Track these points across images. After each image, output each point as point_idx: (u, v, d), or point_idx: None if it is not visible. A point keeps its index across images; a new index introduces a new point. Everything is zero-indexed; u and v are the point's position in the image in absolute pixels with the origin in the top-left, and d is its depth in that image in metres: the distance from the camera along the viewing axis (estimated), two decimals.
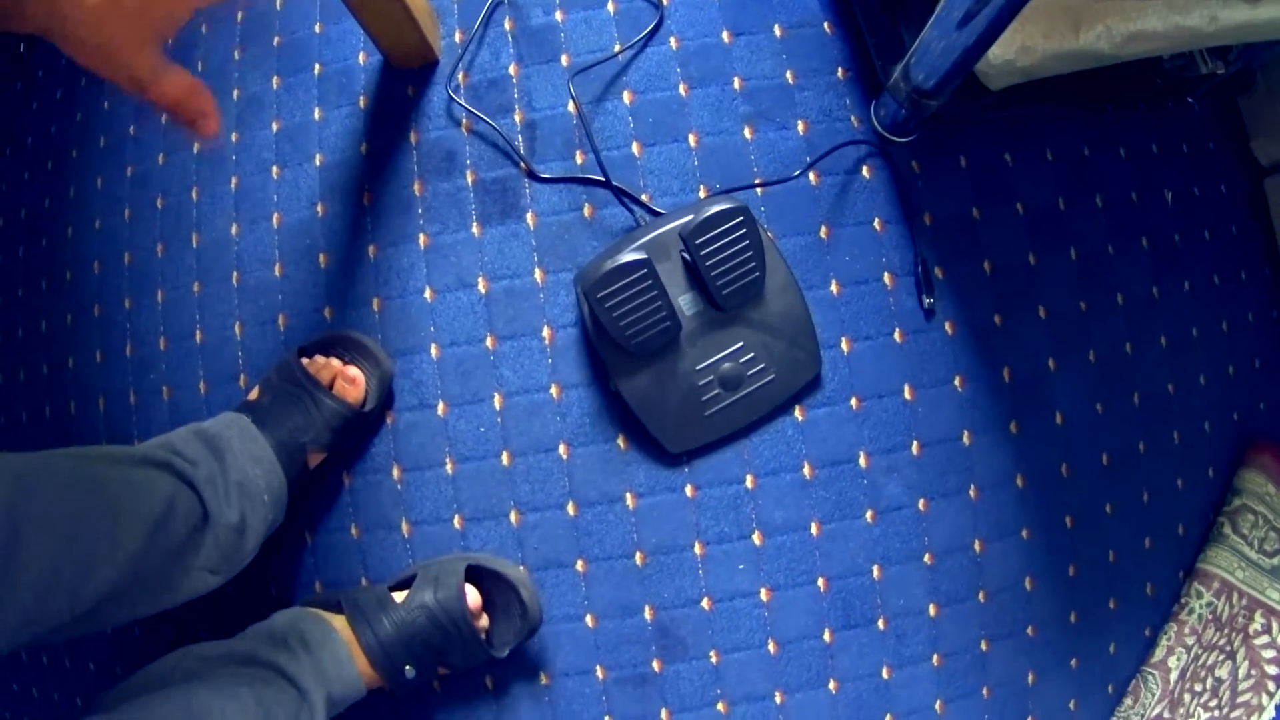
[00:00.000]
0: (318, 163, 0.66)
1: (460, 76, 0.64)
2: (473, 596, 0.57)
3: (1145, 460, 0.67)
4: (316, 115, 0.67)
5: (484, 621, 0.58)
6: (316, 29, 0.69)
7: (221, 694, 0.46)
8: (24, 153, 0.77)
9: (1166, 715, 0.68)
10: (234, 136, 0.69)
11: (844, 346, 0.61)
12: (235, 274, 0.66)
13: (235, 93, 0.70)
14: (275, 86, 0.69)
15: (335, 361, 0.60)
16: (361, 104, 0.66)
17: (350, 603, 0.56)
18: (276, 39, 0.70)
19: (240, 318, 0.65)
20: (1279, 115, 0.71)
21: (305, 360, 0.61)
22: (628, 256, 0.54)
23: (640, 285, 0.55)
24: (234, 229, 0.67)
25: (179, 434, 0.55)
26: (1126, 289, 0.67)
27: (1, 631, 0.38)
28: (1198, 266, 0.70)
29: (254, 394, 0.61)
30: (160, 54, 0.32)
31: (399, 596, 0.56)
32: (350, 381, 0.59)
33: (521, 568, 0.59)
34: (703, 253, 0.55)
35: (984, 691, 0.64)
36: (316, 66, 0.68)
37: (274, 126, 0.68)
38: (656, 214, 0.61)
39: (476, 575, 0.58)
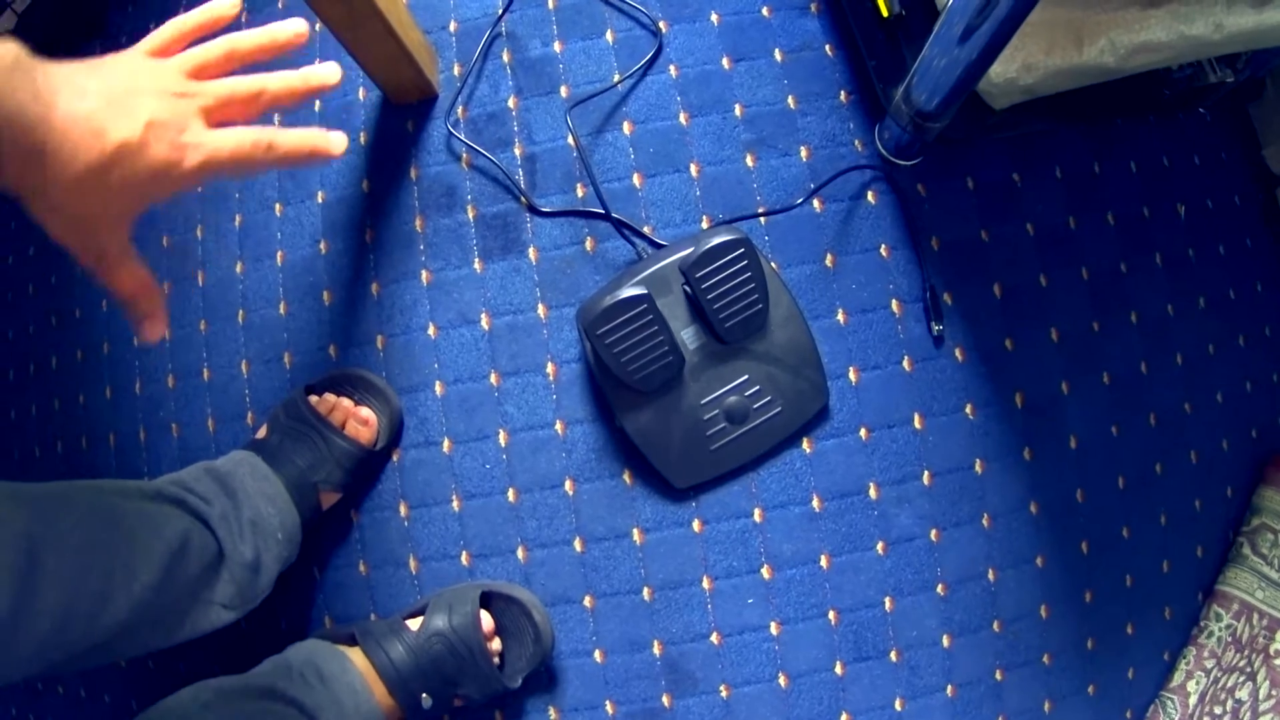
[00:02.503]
0: (320, 200, 0.64)
1: (459, 111, 0.62)
2: (486, 621, 0.55)
3: (1162, 482, 0.63)
4: None
5: (496, 645, 0.56)
6: (316, 65, 0.67)
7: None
8: None
9: None
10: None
11: (852, 376, 0.58)
12: (241, 312, 0.65)
13: None
14: (275, 122, 0.67)
15: (346, 402, 0.58)
16: (362, 140, 0.63)
17: (364, 632, 0.54)
18: None
19: (246, 356, 0.64)
20: None
21: (314, 399, 0.59)
22: (628, 292, 0.52)
23: (641, 320, 0.52)
24: (239, 267, 0.65)
25: (190, 472, 0.54)
26: (1140, 307, 0.63)
27: (19, 659, 0.36)
28: (1212, 281, 0.66)
29: (262, 432, 0.59)
30: (129, 236, 0.30)
31: (413, 624, 0.55)
32: (363, 423, 0.57)
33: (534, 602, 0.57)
34: (703, 286, 0.52)
35: None
36: (316, 103, 0.66)
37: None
38: (659, 246, 0.58)
39: (488, 601, 0.56)
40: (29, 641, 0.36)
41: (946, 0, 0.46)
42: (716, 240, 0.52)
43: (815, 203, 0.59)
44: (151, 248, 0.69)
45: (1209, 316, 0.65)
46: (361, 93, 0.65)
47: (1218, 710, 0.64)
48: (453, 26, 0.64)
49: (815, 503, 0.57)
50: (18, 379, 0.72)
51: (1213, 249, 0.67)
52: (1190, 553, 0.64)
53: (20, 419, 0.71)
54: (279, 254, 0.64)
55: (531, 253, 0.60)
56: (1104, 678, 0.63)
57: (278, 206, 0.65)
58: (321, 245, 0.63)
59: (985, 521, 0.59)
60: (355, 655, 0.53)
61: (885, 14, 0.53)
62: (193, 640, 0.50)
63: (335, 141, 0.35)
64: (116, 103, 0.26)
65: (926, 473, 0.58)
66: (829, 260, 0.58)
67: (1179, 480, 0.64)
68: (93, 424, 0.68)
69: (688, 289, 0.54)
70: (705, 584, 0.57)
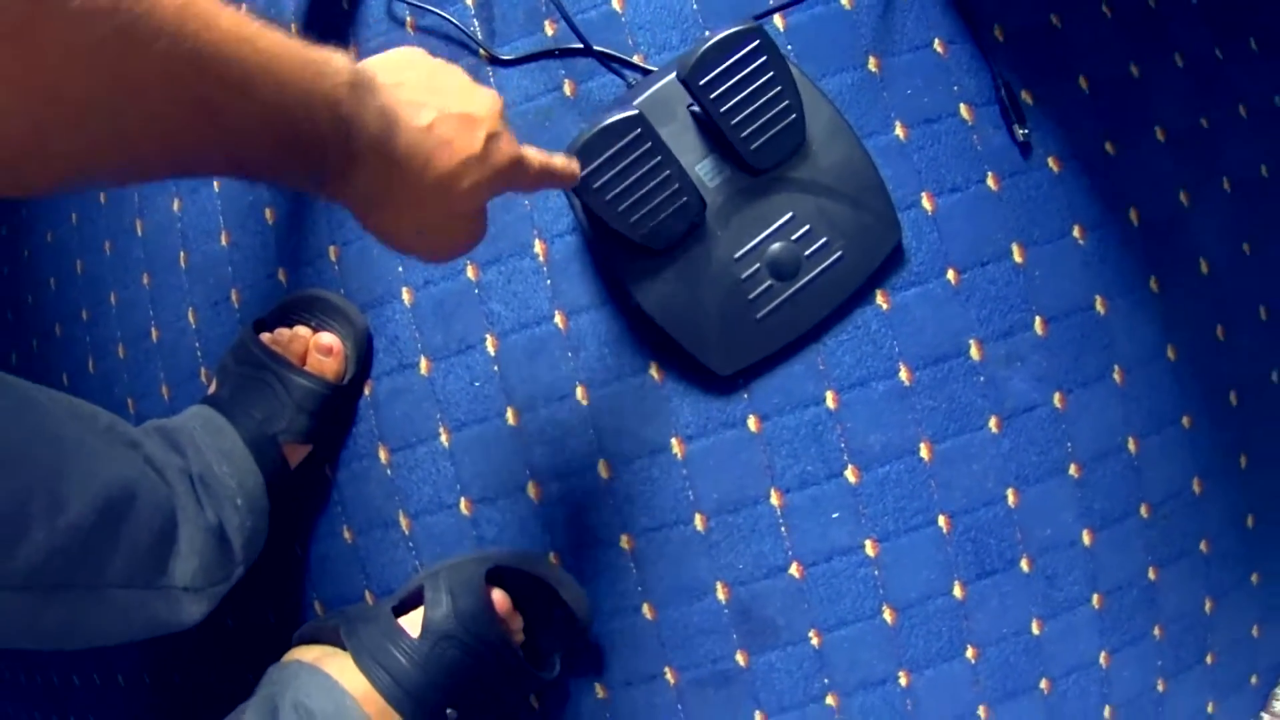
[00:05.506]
0: None
1: None
2: (501, 602, 0.32)
3: None
4: None
5: (519, 624, 0.33)
6: None
7: None
8: None
9: None
10: None
11: (926, 204, 0.34)
12: (182, 254, 0.42)
13: None
14: None
15: (302, 330, 0.36)
16: (293, 30, 0.42)
17: (356, 645, 0.31)
18: None
19: (192, 302, 0.41)
20: None
21: (265, 336, 0.37)
22: (614, 117, 0.29)
23: (638, 153, 0.29)
24: (175, 204, 0.43)
25: (139, 431, 0.32)
26: (1247, 98, 0.40)
27: None
28: None
29: (212, 386, 0.36)
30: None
31: (411, 622, 0.32)
32: (326, 352, 0.35)
33: (553, 557, 0.34)
34: (713, 96, 0.29)
35: (1156, 631, 0.36)
36: (242, 5, 0.45)
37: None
38: (647, 73, 0.36)
39: (499, 575, 0.33)
40: None
41: None
42: (722, 34, 0.29)
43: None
44: (90, 209, 0.47)
45: None
46: None
47: None
48: None
49: (903, 374, 0.34)
50: None
51: None
52: None
53: None
54: (215, 181, 0.42)
55: None
56: (1268, 561, 0.38)
57: None
58: None
59: (1117, 377, 0.35)
60: (349, 675, 0.30)
61: None
62: (185, 648, 0.32)
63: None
64: (453, 117, 0.22)
65: (1038, 319, 0.34)
66: (873, 64, 0.35)
67: None
68: None
69: (695, 108, 0.31)
70: (774, 500, 0.34)
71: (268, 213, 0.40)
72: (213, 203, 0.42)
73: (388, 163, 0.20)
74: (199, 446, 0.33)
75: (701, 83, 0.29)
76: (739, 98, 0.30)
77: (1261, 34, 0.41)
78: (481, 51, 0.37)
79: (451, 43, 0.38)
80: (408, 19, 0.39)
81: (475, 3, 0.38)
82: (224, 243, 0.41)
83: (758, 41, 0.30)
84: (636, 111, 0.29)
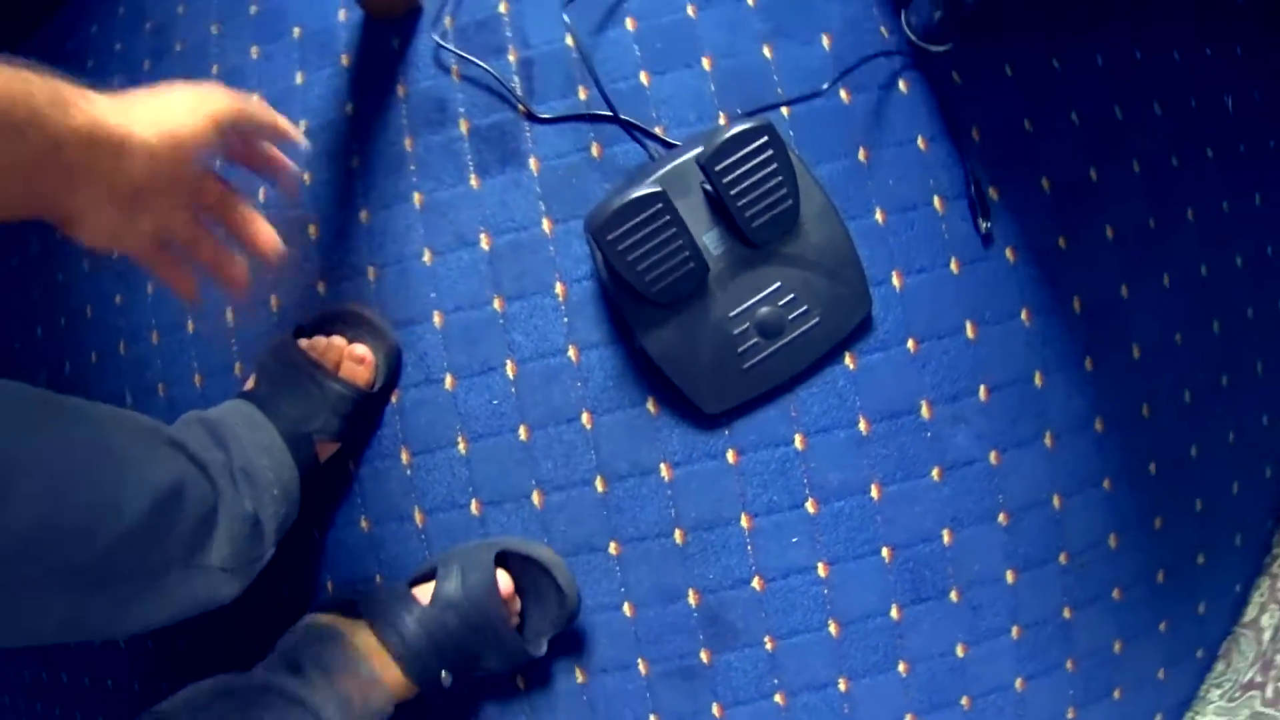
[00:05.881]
0: (302, 128, 0.53)
1: (447, 21, 0.52)
2: (504, 583, 0.44)
3: (1229, 395, 0.52)
4: (298, 80, 0.54)
5: (516, 606, 0.45)
6: None
7: None
8: None
9: (1260, 679, 0.53)
10: None
11: (895, 281, 0.47)
12: None
13: (215, 68, 0.57)
14: (254, 56, 0.56)
15: (339, 340, 0.47)
16: (344, 62, 0.53)
17: (369, 607, 0.43)
18: (253, 8, 0.57)
19: (232, 303, 0.53)
20: None
21: (304, 341, 0.48)
22: (641, 191, 0.41)
23: (658, 223, 0.41)
24: None
25: (181, 422, 0.43)
26: (1195, 204, 0.52)
27: None
28: (1267, 177, 0.55)
29: (250, 383, 0.48)
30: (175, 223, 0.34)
31: (423, 592, 0.44)
32: (359, 361, 0.47)
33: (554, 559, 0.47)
34: (725, 180, 0.41)
35: (1068, 664, 0.50)
36: (296, 30, 0.55)
37: (256, 97, 0.55)
38: (672, 146, 0.48)
39: (504, 560, 0.45)
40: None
41: None
42: (738, 129, 0.41)
43: (842, 92, 0.48)
44: None
45: (1266, 215, 0.54)
46: (343, 14, 0.54)
47: None
48: None
49: (862, 425, 0.46)
50: (5, 352, 0.61)
51: (1263, 143, 0.56)
52: (1259, 473, 0.53)
53: None
54: (260, 190, 0.53)
55: (532, 163, 0.49)
56: (1175, 612, 0.52)
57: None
58: (305, 176, 0.52)
59: (1048, 441, 0.48)
60: (360, 634, 0.42)
61: None
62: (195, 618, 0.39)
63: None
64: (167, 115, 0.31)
65: (983, 387, 0.47)
66: (862, 154, 0.48)
67: (1245, 394, 0.53)
68: (78, 392, 0.57)
69: (707, 186, 0.43)
70: (744, 522, 0.46)
71: (311, 228, 0.51)
72: (258, 207, 0.53)
73: (116, 152, 0.28)
74: (241, 441, 0.43)
75: (716, 168, 0.42)
76: (747, 183, 0.42)
77: (1216, 144, 0.54)
78: (520, 107, 0.49)
79: (493, 95, 0.50)
80: (454, 67, 0.51)
81: (517, 61, 0.50)
82: None
83: (767, 137, 0.42)
84: (660, 189, 0.41)
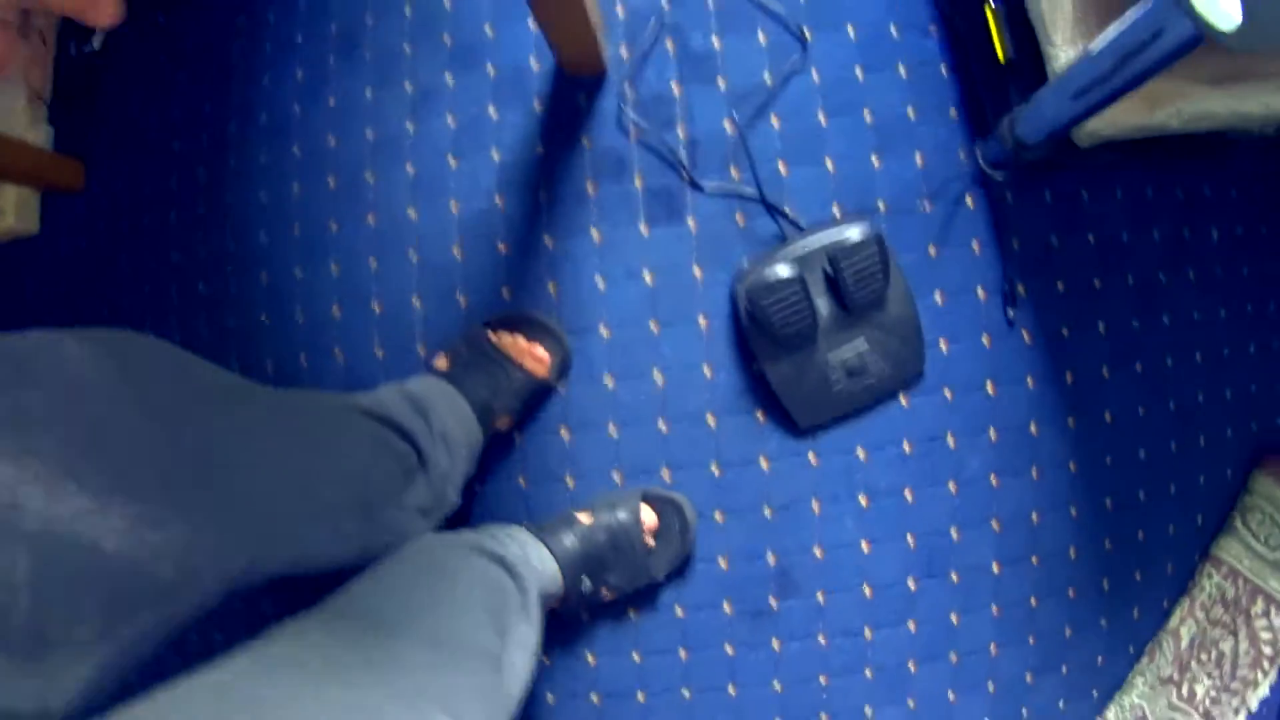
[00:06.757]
0: (495, 158, 0.95)
1: (627, 88, 0.94)
2: (649, 517, 0.89)
3: (1176, 458, 1.03)
4: (492, 113, 0.96)
5: (651, 541, 0.90)
6: (487, 30, 0.98)
7: (464, 564, 0.77)
8: (192, 125, 1.03)
9: (1175, 677, 1.05)
10: (410, 126, 0.97)
11: (942, 346, 0.94)
12: (413, 251, 0.95)
13: (408, 85, 0.98)
14: (449, 83, 0.97)
15: (523, 340, 0.91)
16: (536, 107, 0.95)
17: (542, 527, 0.86)
18: (446, 37, 0.98)
19: (419, 291, 0.95)
20: None
21: (492, 335, 0.90)
22: (787, 272, 0.86)
23: (790, 291, 0.87)
24: (411, 212, 0.96)
25: (386, 394, 0.85)
26: (1172, 313, 1.02)
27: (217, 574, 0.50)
28: (1235, 296, 1.06)
29: (442, 362, 0.91)
30: None
31: (583, 517, 0.87)
32: (539, 360, 0.90)
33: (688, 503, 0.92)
34: (843, 268, 0.87)
35: (1030, 639, 1.00)
36: (489, 67, 0.97)
37: (449, 120, 0.96)
38: (797, 226, 0.93)
39: (650, 503, 0.90)
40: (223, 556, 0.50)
41: (1059, 57, 0.81)
42: (861, 236, 0.87)
43: (925, 202, 0.94)
44: (317, 187, 0.98)
45: (1228, 326, 1.04)
46: (534, 62, 0.96)
47: (1204, 657, 1.05)
48: (620, 11, 0.96)
49: (906, 446, 0.94)
50: (173, 305, 1.00)
51: (1238, 269, 1.06)
52: (1192, 520, 1.04)
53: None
54: (453, 203, 0.95)
55: (690, 221, 0.93)
56: (1115, 615, 1.03)
57: (451, 159, 0.96)
58: (497, 199, 0.94)
59: (1034, 473, 0.97)
60: (531, 543, 0.86)
61: (1002, 60, 0.88)
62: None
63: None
64: None
65: (992, 429, 0.95)
66: (932, 250, 0.94)
67: (1188, 459, 1.03)
68: (248, 348, 0.97)
69: (828, 269, 0.89)
70: (814, 506, 0.93)
71: (500, 245, 0.93)
72: (449, 220, 0.95)
73: None
74: (439, 410, 0.86)
75: (841, 262, 0.87)
76: (856, 270, 0.87)
77: (1198, 267, 1.03)
78: (685, 176, 0.92)
79: (664, 161, 0.93)
80: (632, 131, 0.93)
81: (685, 136, 0.93)
82: (456, 255, 0.94)
83: (879, 245, 0.87)
84: (798, 272, 0.86)
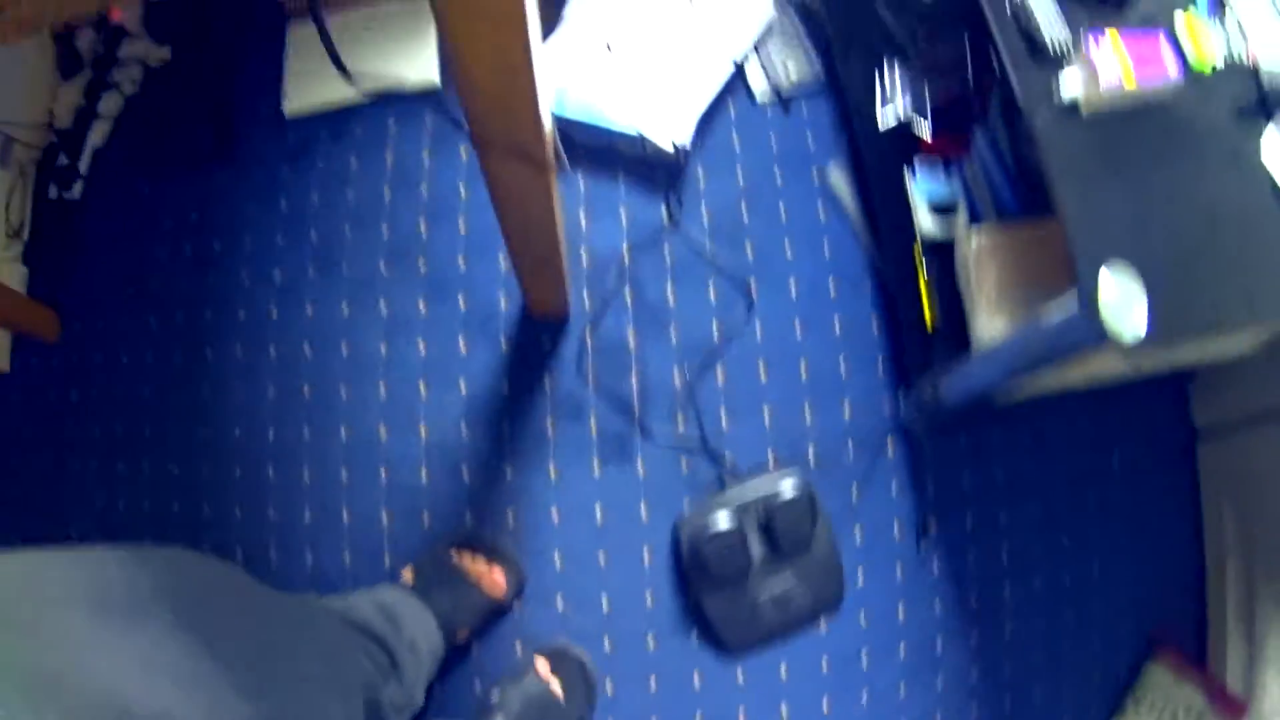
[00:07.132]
0: (463, 390, 1.04)
1: (588, 334, 1.04)
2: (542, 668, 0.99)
3: (1071, 659, 1.15)
4: (461, 346, 1.04)
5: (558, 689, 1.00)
6: (460, 263, 1.06)
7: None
8: (172, 315, 1.10)
9: None
10: (383, 348, 1.05)
11: (859, 577, 1.06)
12: (383, 469, 1.04)
13: (383, 303, 1.06)
14: (422, 310, 1.05)
15: (483, 563, 1.00)
16: (503, 345, 1.04)
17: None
18: (422, 264, 1.06)
19: (388, 507, 1.04)
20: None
21: (455, 553, 1.00)
22: (726, 524, 0.97)
23: (728, 537, 0.97)
24: (382, 430, 1.04)
25: (361, 603, 0.94)
26: (1072, 533, 1.14)
27: None
28: (1135, 515, 1.18)
29: (409, 576, 1.00)
30: None
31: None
32: (496, 584, 0.99)
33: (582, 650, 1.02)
34: (777, 521, 0.98)
35: None
36: (461, 300, 1.05)
37: (421, 347, 1.05)
38: (735, 474, 1.03)
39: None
40: None
41: (984, 328, 0.92)
42: (794, 493, 0.98)
43: (850, 451, 1.05)
44: (291, 394, 1.06)
45: (1129, 539, 1.17)
46: (503, 301, 1.04)
47: None
48: (584, 259, 1.05)
49: (824, 665, 1.05)
50: (145, 482, 1.08)
51: (1139, 487, 1.18)
52: (1086, 713, 1.17)
53: (139, 524, 1.07)
54: (422, 428, 1.04)
55: (639, 464, 1.03)
56: None
57: (422, 387, 1.04)
58: (463, 430, 1.03)
59: (939, 684, 1.08)
60: None
61: (930, 329, 0.99)
62: None
63: None
64: None
65: (903, 645, 1.07)
66: (854, 492, 1.05)
67: (1086, 660, 1.16)
68: (218, 538, 1.06)
69: (762, 520, 0.99)
70: (741, 717, 1.04)
71: (464, 471, 1.02)
72: (418, 445, 1.04)
73: None
74: (407, 620, 0.96)
75: (774, 514, 0.98)
76: (787, 522, 0.98)
77: (1100, 490, 1.15)
78: (635, 421, 1.02)
79: (618, 410, 1.02)
80: (590, 377, 1.03)
81: (638, 385, 1.03)
82: (423, 476, 1.03)
83: (812, 500, 0.98)
84: (737, 524, 0.96)
